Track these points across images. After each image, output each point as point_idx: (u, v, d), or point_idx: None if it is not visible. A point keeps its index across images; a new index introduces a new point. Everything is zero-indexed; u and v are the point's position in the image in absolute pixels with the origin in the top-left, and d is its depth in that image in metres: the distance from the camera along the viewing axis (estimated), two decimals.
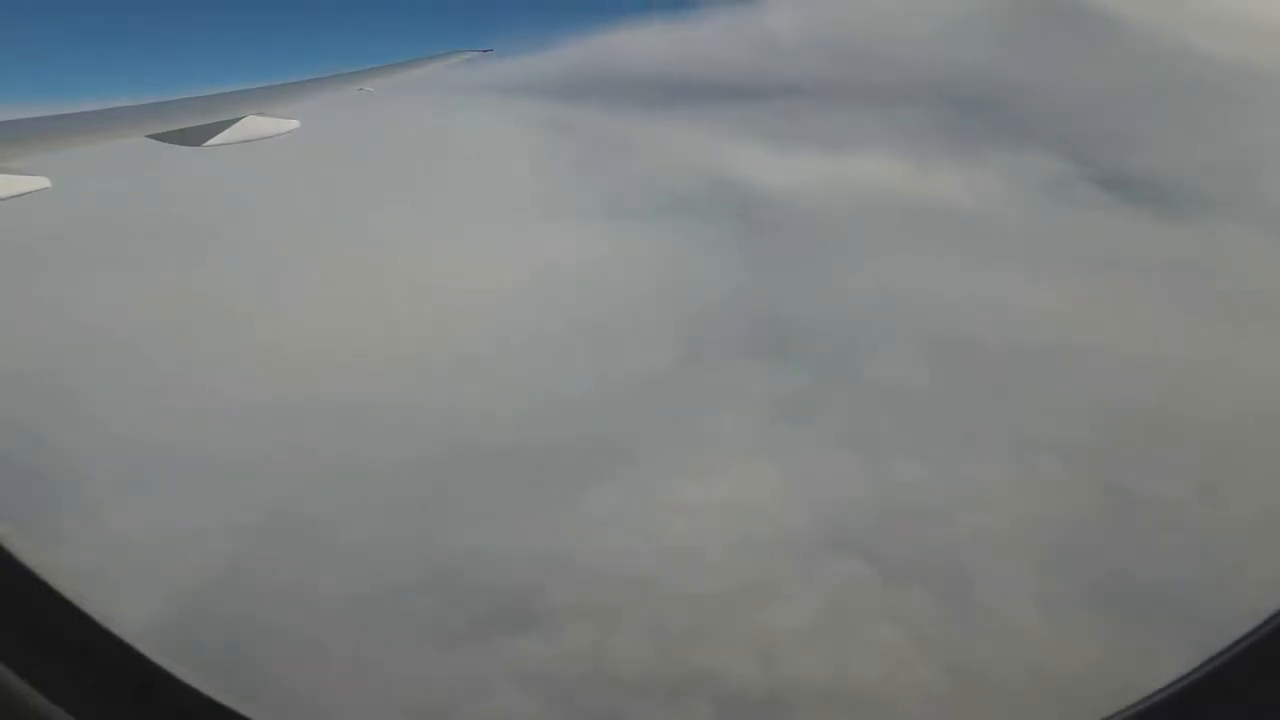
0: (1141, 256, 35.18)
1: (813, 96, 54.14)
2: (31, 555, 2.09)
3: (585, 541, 21.48)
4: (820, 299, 33.69)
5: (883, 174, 43.87)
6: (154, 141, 11.27)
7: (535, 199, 43.36)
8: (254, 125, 12.20)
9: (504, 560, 20.75)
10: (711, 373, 29.37)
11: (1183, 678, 2.24)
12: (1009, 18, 55.12)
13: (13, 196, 8.36)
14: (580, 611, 19.50)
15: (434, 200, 42.10)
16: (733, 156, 47.30)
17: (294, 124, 13.01)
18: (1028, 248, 36.97)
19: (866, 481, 23.29)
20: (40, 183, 8.64)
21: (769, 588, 20.13)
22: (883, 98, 51.38)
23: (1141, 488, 22.01)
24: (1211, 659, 2.20)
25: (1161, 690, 2.26)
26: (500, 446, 24.72)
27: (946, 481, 22.95)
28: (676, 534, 21.92)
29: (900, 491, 22.75)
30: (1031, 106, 49.09)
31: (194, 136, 11.46)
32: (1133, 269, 33.91)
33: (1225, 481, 21.42)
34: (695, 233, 39.34)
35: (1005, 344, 29.23)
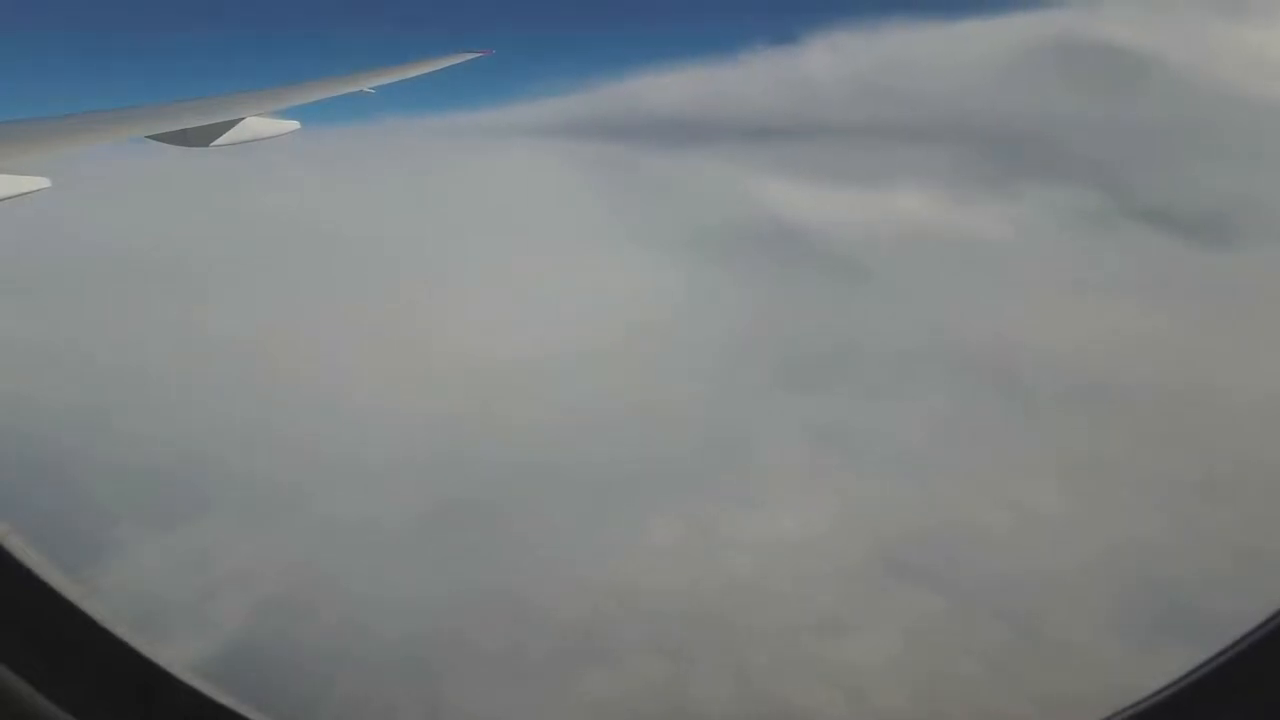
0: (1180, 285, 35.15)
1: (852, 135, 54.41)
2: (31, 555, 2.09)
3: (647, 573, 21.20)
4: (866, 329, 33.66)
5: (923, 209, 44.01)
6: (155, 143, 11.26)
7: (577, 234, 43.43)
8: (254, 126, 12.20)
9: (565, 591, 20.51)
10: (763, 404, 29.23)
11: (1183, 678, 2.24)
12: (1042, 57, 55.22)
13: (13, 196, 8.35)
14: (649, 645, 19.18)
15: (480, 237, 42.05)
16: (774, 193, 47.40)
17: (294, 125, 13.02)
18: (1068, 278, 36.97)
19: (919, 510, 23.05)
20: (40, 183, 8.64)
21: (838, 619, 19.85)
22: (921, 136, 51.55)
23: (1195, 510, 21.75)
24: (1211, 659, 2.20)
25: (1161, 690, 2.26)
26: (551, 479, 24.46)
27: (997, 510, 22.76)
28: (738, 565, 21.69)
29: (956, 520, 22.51)
30: (1066, 143, 49.16)
31: (195, 137, 11.46)
32: (1172, 297, 33.86)
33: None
34: (741, 268, 39.32)
35: (1051, 372, 29.15)
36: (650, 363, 31.73)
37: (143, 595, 19.28)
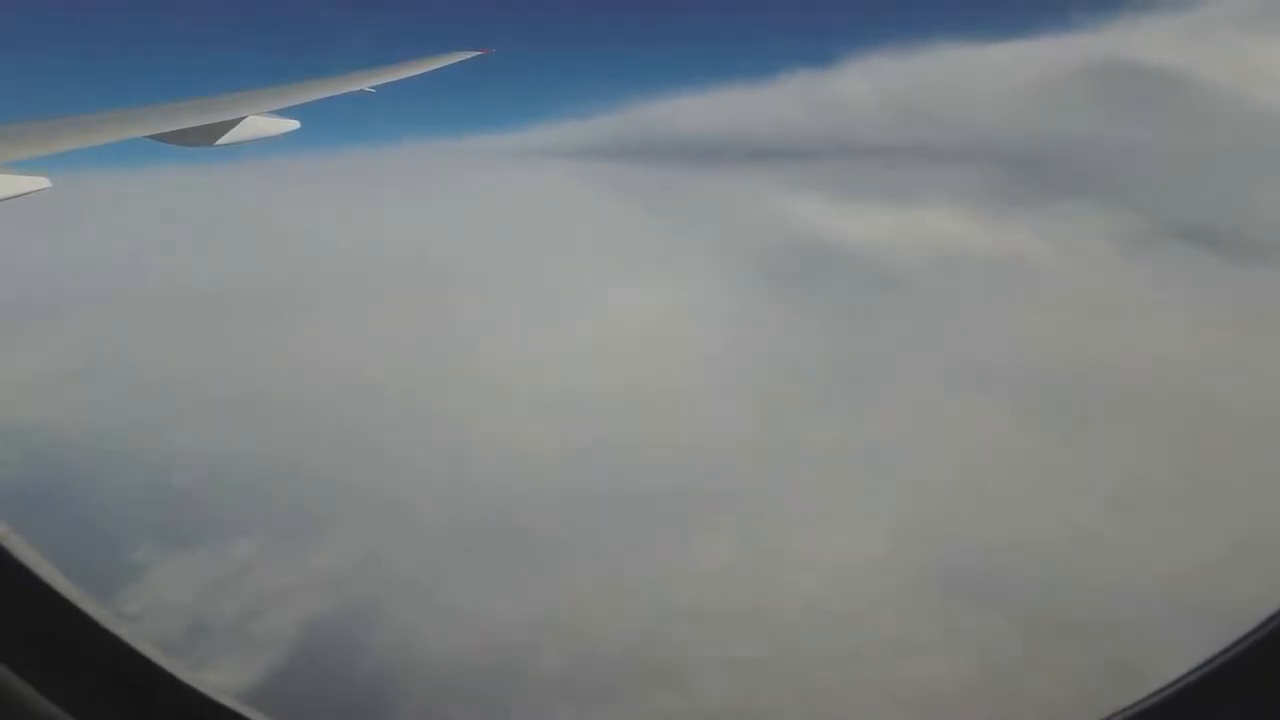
0: (1222, 300, 35.04)
1: (889, 156, 54.48)
2: (31, 555, 2.09)
3: (707, 594, 21.05)
4: (906, 347, 33.52)
5: (963, 229, 43.99)
6: (154, 142, 11.23)
7: (614, 254, 43.37)
8: (255, 125, 12.19)
9: (625, 614, 20.36)
10: (809, 422, 29.09)
11: (1183, 678, 2.23)
12: (1079, 78, 55.04)
13: (13, 196, 8.34)
14: (718, 665, 18.98)
15: (512, 257, 41.91)
16: (811, 213, 47.39)
17: (294, 124, 13.00)
18: (1111, 296, 36.88)
19: (970, 527, 22.86)
20: (40, 183, 8.62)
21: (910, 640, 19.67)
22: (958, 157, 51.58)
23: (1251, 526, 21.57)
24: (1211, 659, 2.20)
25: (1161, 690, 2.25)
26: (596, 502, 24.35)
27: (1054, 527, 22.56)
28: (798, 585, 21.53)
29: (1014, 540, 22.30)
30: (1104, 163, 49.07)
31: (194, 137, 11.44)
32: (1214, 313, 33.74)
33: None
34: (787, 289, 39.20)
35: (1095, 388, 28.97)
36: (690, 381, 31.69)
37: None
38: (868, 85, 60.70)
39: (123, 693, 2.21)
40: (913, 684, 18.56)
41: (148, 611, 19.52)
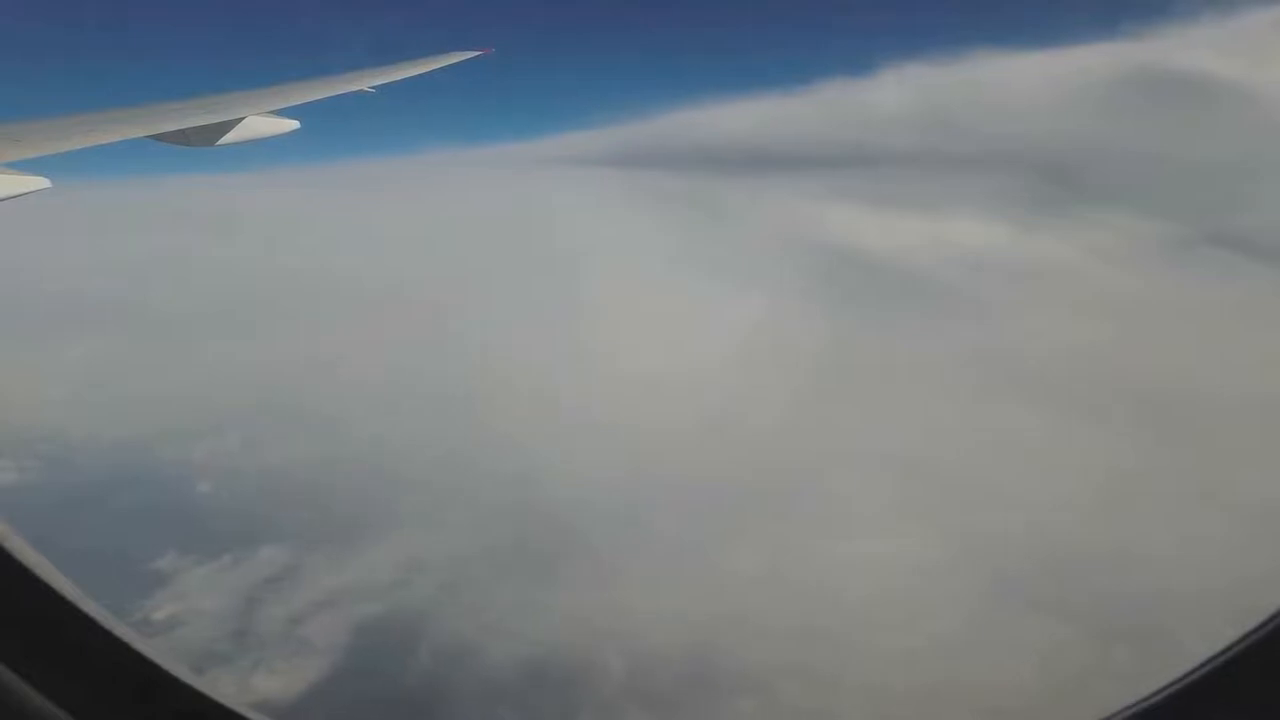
0: (1263, 305, 34.87)
1: (924, 164, 54.24)
2: (31, 555, 2.09)
3: (762, 600, 20.91)
4: (939, 356, 33.31)
5: (1000, 236, 43.81)
6: (154, 142, 11.22)
7: (644, 262, 43.24)
8: (255, 125, 12.19)
9: (682, 623, 20.22)
10: (846, 432, 28.91)
11: (1183, 678, 2.24)
12: (1113, 87, 54.83)
13: (13, 196, 8.33)
14: (784, 672, 18.86)
15: (543, 267, 41.77)
16: (845, 222, 47.25)
17: (294, 124, 13.00)
18: (1154, 303, 36.74)
19: (1016, 536, 22.69)
20: (40, 183, 8.62)
21: (974, 647, 19.54)
22: (995, 165, 51.31)
23: None
24: (1211, 659, 2.20)
25: (1161, 690, 2.25)
26: (634, 511, 24.20)
27: (1100, 537, 22.42)
28: (845, 589, 21.40)
29: (1062, 545, 22.14)
30: (1143, 171, 48.89)
31: (195, 137, 11.44)
32: (1257, 318, 33.57)
33: None
34: (816, 294, 39.00)
35: (1134, 394, 28.80)
36: (726, 389, 31.59)
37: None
38: (903, 94, 60.77)
39: (123, 693, 2.21)
40: (969, 687, 18.49)
41: (170, 617, 19.52)
